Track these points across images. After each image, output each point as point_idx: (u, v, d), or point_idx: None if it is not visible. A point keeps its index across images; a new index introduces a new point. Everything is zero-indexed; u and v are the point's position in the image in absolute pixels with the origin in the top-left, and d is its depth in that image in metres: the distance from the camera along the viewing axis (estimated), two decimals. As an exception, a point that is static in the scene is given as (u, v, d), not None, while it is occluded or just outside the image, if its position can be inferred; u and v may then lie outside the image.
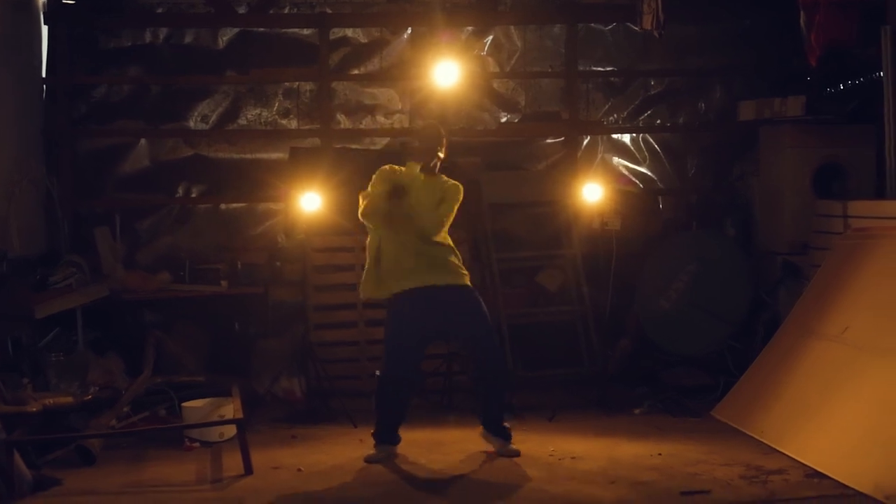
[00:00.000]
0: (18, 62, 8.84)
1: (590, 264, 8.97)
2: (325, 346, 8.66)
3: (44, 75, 9.29)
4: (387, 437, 6.83)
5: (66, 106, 9.37)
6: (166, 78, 9.53)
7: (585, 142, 9.91)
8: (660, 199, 9.86)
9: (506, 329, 8.73)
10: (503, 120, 9.88)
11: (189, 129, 9.60)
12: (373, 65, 9.73)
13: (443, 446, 6.97)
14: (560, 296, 9.12)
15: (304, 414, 7.93)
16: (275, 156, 9.58)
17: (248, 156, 9.63)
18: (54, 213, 9.01)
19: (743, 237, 9.16)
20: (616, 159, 10.01)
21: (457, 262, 6.82)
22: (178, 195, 9.60)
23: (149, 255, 9.33)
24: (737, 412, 7.22)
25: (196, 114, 9.62)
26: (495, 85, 9.89)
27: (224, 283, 8.71)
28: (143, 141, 9.55)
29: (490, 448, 6.81)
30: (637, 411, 7.79)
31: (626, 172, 9.89)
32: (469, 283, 6.84)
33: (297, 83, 9.66)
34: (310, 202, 8.02)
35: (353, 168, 8.81)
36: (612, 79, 10.00)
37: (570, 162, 9.70)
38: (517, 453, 6.70)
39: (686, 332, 8.50)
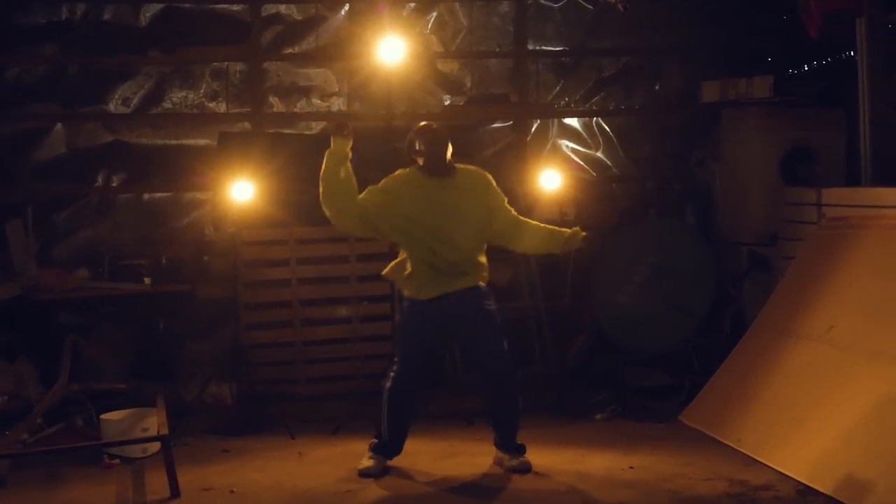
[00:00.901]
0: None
1: (545, 257, 8.37)
2: (258, 347, 8.07)
3: (-51, 54, 8.52)
4: (391, 448, 6.24)
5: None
6: (84, 58, 8.77)
7: (535, 126, 9.33)
8: (614, 186, 9.29)
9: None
10: (447, 103, 9.28)
11: (109, 113, 8.87)
12: (308, 43, 9.05)
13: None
14: (510, 291, 8.55)
15: (237, 423, 7.29)
16: (202, 142, 8.90)
17: (174, 141, 8.93)
18: (-40, 206, 8.28)
19: (703, 226, 8.66)
20: (568, 144, 9.43)
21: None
22: (97, 184, 8.85)
23: (66, 249, 8.56)
24: (708, 417, 6.69)
25: (117, 96, 8.87)
26: (439, 65, 9.27)
27: (147, 280, 8.00)
28: (58, 126, 8.78)
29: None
30: (599, 416, 7.25)
31: (576, 158, 9.32)
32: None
33: (226, 63, 8.94)
34: (240, 191, 7.49)
35: (288, 154, 8.27)
36: (564, 59, 9.43)
37: (519, 148, 9.13)
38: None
39: (647, 327, 7.98)
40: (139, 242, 8.51)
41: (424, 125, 6.33)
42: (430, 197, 6.09)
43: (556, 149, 9.38)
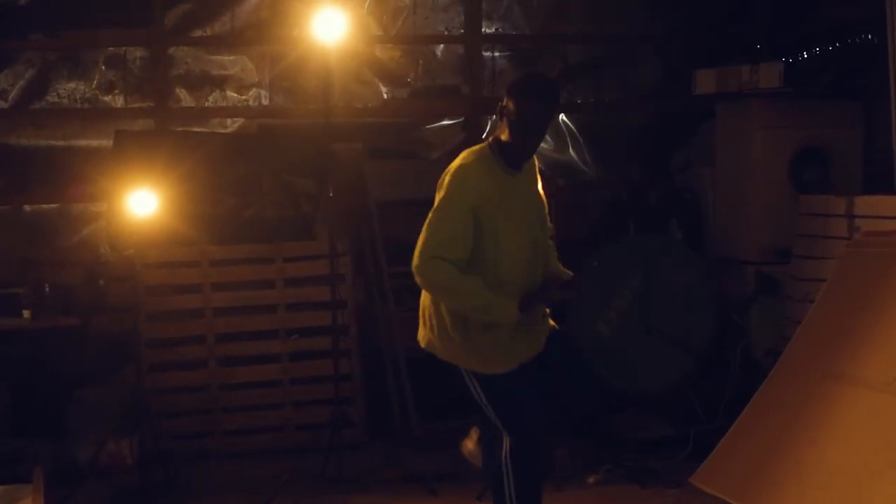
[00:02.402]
0: None
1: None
2: (164, 393, 6.68)
3: None
4: None
5: None
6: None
7: (490, 123, 8.05)
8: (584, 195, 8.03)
9: (402, 364, 6.88)
10: (387, 96, 7.97)
11: (-21, 108, 7.44)
12: (222, 25, 7.67)
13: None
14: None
15: (138, 491, 5.87)
16: (95, 142, 7.51)
17: (61, 142, 7.53)
18: None
19: (692, 241, 7.41)
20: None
21: None
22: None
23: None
24: (731, 481, 5.41)
25: (-11, 88, 7.46)
26: (378, 52, 7.92)
27: (27, 312, 6.51)
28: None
29: None
30: (592, 480, 5.94)
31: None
32: None
33: (123, 49, 7.54)
34: (141, 202, 6.14)
35: (199, 158, 7.00)
36: (523, 45, 8.20)
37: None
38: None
39: (635, 364, 6.73)
40: (17, 266, 7.00)
41: (529, 75, 4.83)
42: (514, 200, 4.47)
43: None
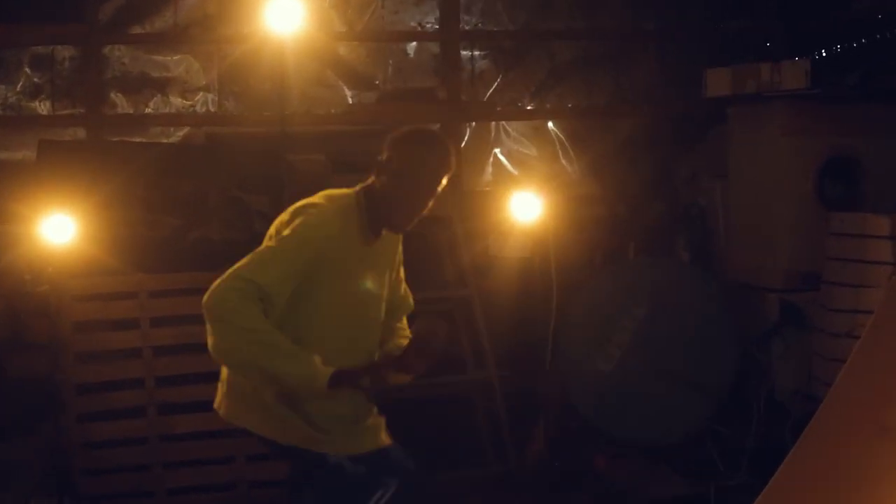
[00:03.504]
0: None
1: (496, 307, 6.33)
2: (95, 447, 5.71)
3: None
4: None
5: None
6: None
7: (470, 131, 7.35)
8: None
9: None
10: (353, 100, 7.22)
11: None
12: (163, 20, 6.94)
13: None
14: (447, 357, 6.38)
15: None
16: (19, 154, 6.72)
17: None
18: None
19: (701, 264, 6.61)
20: (514, 153, 7.43)
21: None
22: None
23: None
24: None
25: None
26: (342, 51, 7.18)
27: (-71, 354, 5.61)
28: None
29: None
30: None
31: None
32: None
33: (51, 48, 6.75)
34: (65, 224, 5.34)
35: (136, 171, 6.20)
36: (506, 43, 7.43)
37: (452, 159, 7.02)
38: None
39: (640, 407, 5.95)
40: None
41: (428, 130, 3.91)
42: (358, 271, 3.67)
43: (498, 160, 7.33)
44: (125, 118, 6.79)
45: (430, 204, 3.59)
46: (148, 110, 6.88)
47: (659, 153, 7.35)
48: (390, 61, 7.27)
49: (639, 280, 6.19)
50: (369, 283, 3.64)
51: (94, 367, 5.88)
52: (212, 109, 6.91)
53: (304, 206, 3.54)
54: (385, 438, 3.77)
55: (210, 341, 3.42)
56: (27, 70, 6.73)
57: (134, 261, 6.03)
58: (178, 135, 6.90)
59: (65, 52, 6.74)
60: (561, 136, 7.46)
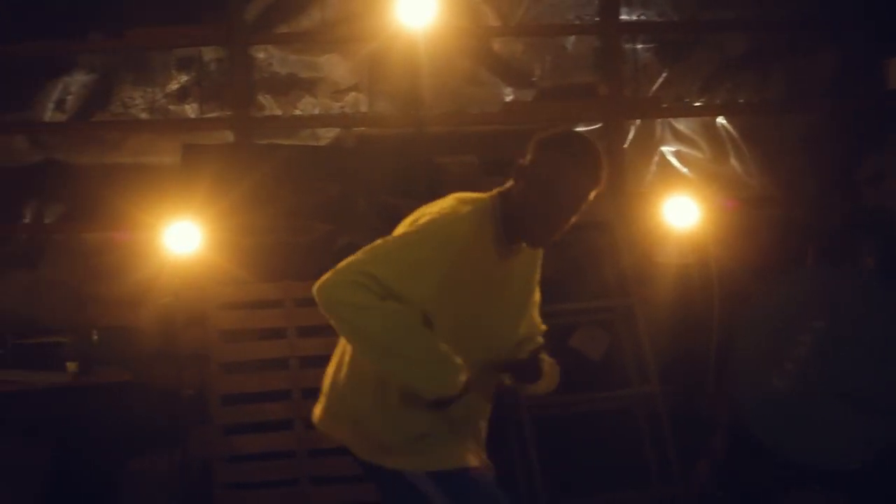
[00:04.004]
0: None
1: (658, 318, 5.92)
2: (239, 461, 5.50)
3: None
4: None
5: None
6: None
7: (634, 129, 6.81)
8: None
9: (526, 427, 5.63)
10: (509, 98, 6.74)
11: (37, 123, 6.47)
12: (310, 19, 6.57)
13: None
14: (606, 369, 6.00)
15: None
16: (167, 159, 6.46)
17: (128, 160, 6.49)
18: None
19: (889, 272, 6.04)
20: (681, 154, 6.90)
21: None
22: (24, 222, 6.43)
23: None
24: None
25: (48, 99, 6.47)
26: (496, 46, 6.72)
27: (72, 365, 5.44)
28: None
29: None
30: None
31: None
32: None
33: (198, 50, 6.49)
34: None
35: (283, 175, 6.04)
36: (671, 35, 6.88)
37: (612, 160, 6.54)
38: None
39: (818, 430, 5.38)
40: (73, 306, 5.97)
41: (577, 135, 3.41)
42: (494, 284, 3.25)
43: (665, 162, 6.82)
44: (272, 120, 6.48)
45: (572, 220, 3.16)
46: (297, 112, 6.59)
47: (840, 151, 6.69)
48: (547, 57, 6.76)
49: (818, 290, 5.65)
50: (499, 305, 3.23)
51: (239, 377, 5.69)
52: (362, 110, 6.60)
53: (431, 211, 3.16)
54: (472, 460, 3.34)
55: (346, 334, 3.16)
56: (174, 72, 6.49)
57: (280, 267, 5.84)
58: (328, 137, 6.55)
59: (212, 54, 6.47)
60: (732, 133, 6.88)
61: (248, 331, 5.76)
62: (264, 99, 6.53)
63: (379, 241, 3.12)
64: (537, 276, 3.43)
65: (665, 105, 6.79)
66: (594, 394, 5.89)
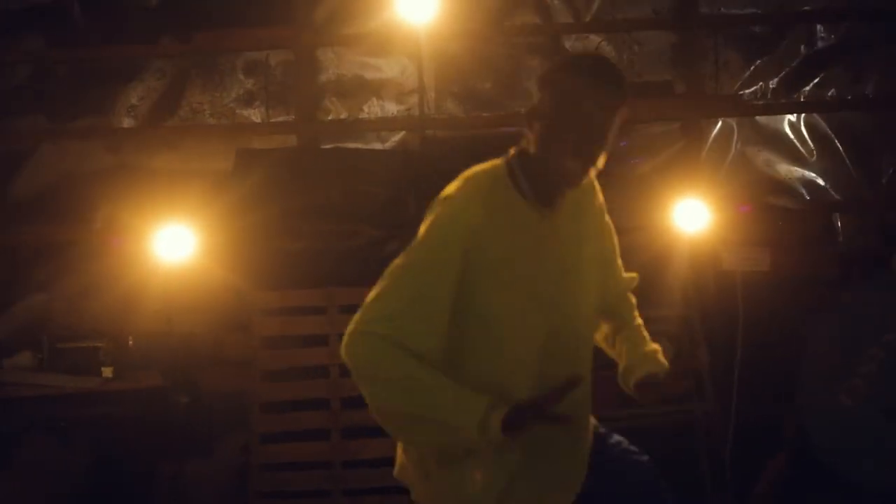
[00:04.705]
0: None
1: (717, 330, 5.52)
2: (274, 469, 5.37)
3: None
4: None
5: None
6: (74, 51, 6.38)
7: (717, 128, 6.37)
8: (837, 218, 6.17)
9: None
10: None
11: (111, 127, 6.43)
12: (376, 20, 6.30)
13: None
14: (669, 384, 5.62)
15: None
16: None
17: (196, 165, 6.40)
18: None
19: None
20: (764, 155, 6.39)
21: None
22: (96, 226, 6.37)
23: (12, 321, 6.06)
24: None
25: (120, 104, 6.43)
26: (568, 44, 6.37)
27: (107, 370, 5.41)
28: (45, 146, 6.41)
29: None
30: None
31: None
32: None
33: (265, 53, 6.35)
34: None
35: (333, 179, 5.85)
36: (755, 28, 6.40)
37: (689, 161, 6.16)
38: None
39: (885, 451, 4.92)
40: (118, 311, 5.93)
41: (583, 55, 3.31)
42: (543, 257, 2.88)
43: (748, 161, 6.36)
44: (338, 125, 6.35)
45: (607, 145, 2.75)
46: (364, 114, 6.42)
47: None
48: (621, 52, 6.41)
49: (892, 301, 5.20)
50: (557, 268, 2.83)
51: (279, 385, 5.57)
52: (428, 112, 6.36)
53: (438, 199, 2.84)
54: None
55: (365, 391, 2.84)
56: (241, 76, 6.37)
57: (325, 273, 5.68)
58: (394, 140, 6.38)
59: (278, 57, 6.36)
60: (825, 131, 6.42)
61: (291, 338, 5.63)
62: (331, 102, 6.38)
63: (392, 266, 2.84)
64: (604, 224, 3.07)
65: (749, 101, 6.35)
66: (653, 408, 5.54)
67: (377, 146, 6.34)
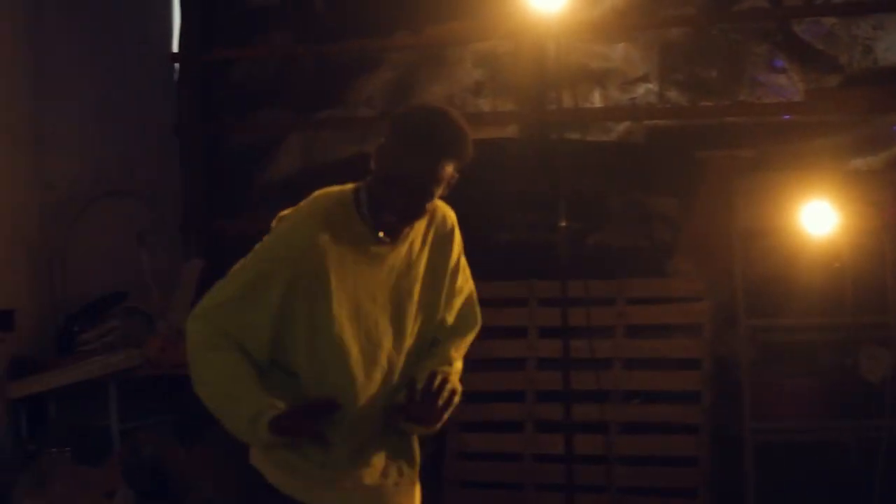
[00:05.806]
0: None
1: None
2: (467, 459, 5.48)
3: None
4: None
5: (194, 92, 6.76)
6: (318, 45, 6.65)
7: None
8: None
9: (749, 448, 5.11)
10: (811, 85, 5.94)
11: (352, 118, 6.71)
12: (602, 7, 6.17)
13: None
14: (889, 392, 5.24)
15: None
16: None
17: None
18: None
19: None
20: None
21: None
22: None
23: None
24: None
25: (358, 96, 6.68)
26: (797, 29, 5.97)
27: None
28: (292, 136, 6.78)
29: None
30: None
31: None
32: None
33: (493, 44, 6.38)
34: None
35: (538, 171, 5.78)
36: None
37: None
38: None
39: None
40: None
41: (408, 111, 3.06)
42: (374, 271, 2.87)
43: None
44: (565, 113, 6.12)
45: (429, 199, 2.74)
46: (591, 104, 6.30)
47: None
48: (860, 37, 5.87)
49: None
50: (381, 289, 2.88)
51: (476, 375, 5.60)
52: (652, 102, 6.18)
53: (283, 213, 2.93)
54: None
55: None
56: (469, 67, 6.43)
57: (526, 266, 5.68)
58: (619, 131, 6.24)
59: (506, 48, 6.39)
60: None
61: (489, 328, 5.66)
62: (555, 92, 6.31)
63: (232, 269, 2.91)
64: (455, 257, 3.00)
65: None
66: (827, 423, 5.18)
67: (603, 137, 6.23)
